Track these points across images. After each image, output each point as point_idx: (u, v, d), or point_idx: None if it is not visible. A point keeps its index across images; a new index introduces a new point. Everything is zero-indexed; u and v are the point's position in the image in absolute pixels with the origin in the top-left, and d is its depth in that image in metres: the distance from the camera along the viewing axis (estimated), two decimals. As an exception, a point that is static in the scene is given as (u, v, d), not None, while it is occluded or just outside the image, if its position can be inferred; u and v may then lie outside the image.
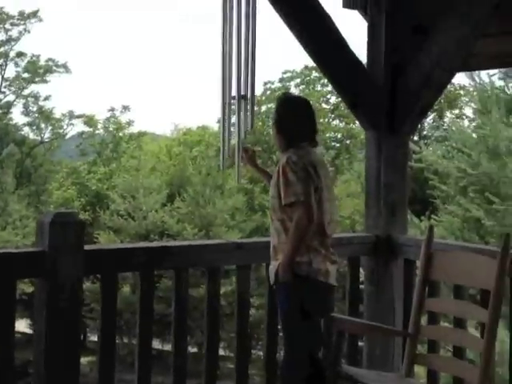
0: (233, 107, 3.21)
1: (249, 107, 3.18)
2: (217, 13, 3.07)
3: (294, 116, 3.13)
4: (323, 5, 3.41)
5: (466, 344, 3.13)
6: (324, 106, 28.30)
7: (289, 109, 3.18)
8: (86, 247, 2.80)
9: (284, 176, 2.95)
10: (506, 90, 13.86)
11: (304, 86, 28.62)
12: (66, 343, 2.69)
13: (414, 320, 3.06)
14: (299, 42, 3.48)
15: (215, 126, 30.59)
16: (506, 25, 3.60)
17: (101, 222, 24.23)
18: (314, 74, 27.47)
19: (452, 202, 13.21)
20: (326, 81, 27.64)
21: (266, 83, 28.63)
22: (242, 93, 3.15)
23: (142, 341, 3.00)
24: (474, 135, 14.11)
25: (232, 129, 3.25)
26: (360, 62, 3.62)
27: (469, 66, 4.32)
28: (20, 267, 2.70)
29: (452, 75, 3.72)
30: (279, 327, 3.19)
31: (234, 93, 3.17)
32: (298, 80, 29.27)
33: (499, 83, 14.02)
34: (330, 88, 26.86)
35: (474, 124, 17.07)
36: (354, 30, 4.17)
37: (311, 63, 28.23)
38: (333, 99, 27.73)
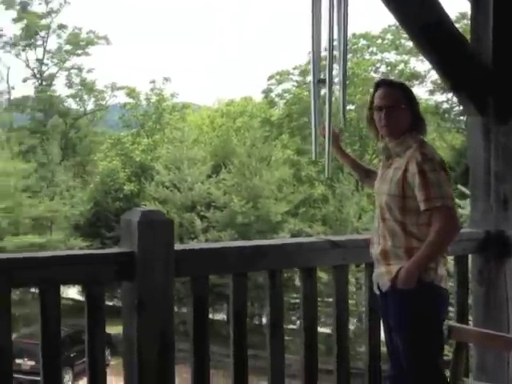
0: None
1: (338, 93, 2.93)
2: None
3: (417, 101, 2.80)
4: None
5: None
6: (373, 74, 27.61)
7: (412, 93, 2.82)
8: (176, 247, 2.61)
9: (422, 176, 2.60)
10: None
11: (351, 55, 27.92)
12: (160, 351, 2.51)
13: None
14: (395, 18, 3.18)
15: (259, 97, 30.24)
16: None
17: (146, 192, 24.30)
18: (362, 41, 26.72)
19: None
20: (374, 49, 26.92)
21: (309, 53, 27.88)
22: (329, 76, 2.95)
23: (236, 347, 2.80)
24: None
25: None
26: (464, 39, 3.29)
27: None
28: (108, 270, 2.53)
29: None
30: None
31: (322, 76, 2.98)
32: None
33: None
34: (379, 57, 26.13)
35: None
36: (451, 4, 3.81)
37: (357, 31, 27.34)
38: (382, 68, 27.02)
